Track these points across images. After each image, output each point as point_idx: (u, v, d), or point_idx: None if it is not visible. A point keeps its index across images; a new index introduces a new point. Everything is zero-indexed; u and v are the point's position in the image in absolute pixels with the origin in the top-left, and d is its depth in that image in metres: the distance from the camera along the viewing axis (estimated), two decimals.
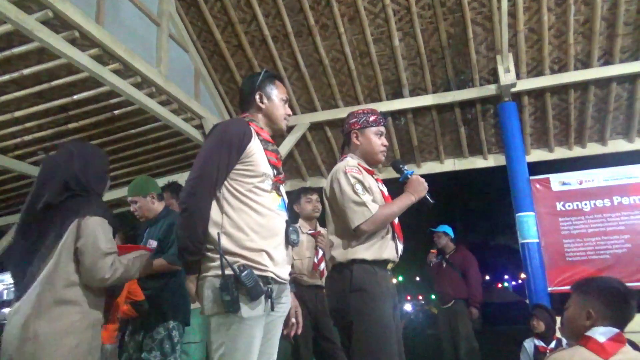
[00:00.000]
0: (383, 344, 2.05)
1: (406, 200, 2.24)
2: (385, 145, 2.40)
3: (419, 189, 2.27)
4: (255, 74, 2.07)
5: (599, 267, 4.92)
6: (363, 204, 2.14)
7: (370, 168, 2.39)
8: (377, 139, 2.38)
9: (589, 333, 1.54)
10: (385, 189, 2.39)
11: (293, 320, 2.03)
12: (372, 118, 2.39)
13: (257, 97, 1.99)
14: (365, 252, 2.17)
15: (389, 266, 2.28)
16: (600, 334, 1.51)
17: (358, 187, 2.17)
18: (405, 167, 2.39)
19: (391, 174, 6.79)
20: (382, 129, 2.41)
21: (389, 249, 2.24)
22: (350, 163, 2.29)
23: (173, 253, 2.82)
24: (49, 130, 5.25)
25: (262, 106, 1.99)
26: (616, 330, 1.52)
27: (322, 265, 3.57)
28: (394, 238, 2.29)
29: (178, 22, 5.50)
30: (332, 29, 5.46)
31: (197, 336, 3.29)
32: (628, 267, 4.86)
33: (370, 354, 2.04)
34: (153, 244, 2.89)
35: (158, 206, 3.07)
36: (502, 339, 8.87)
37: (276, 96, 2.02)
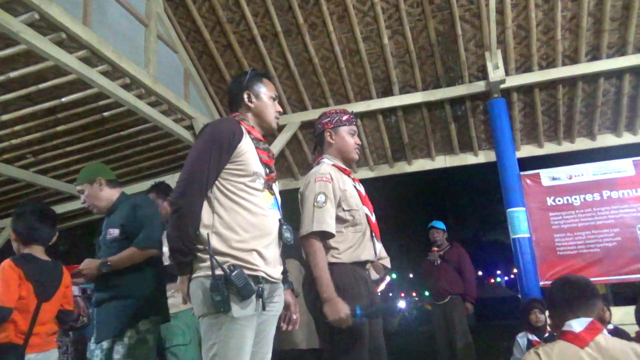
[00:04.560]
0: (355, 345, 2.08)
1: (327, 287, 2.05)
2: (358, 144, 2.44)
3: (334, 309, 2.02)
4: (242, 73, 2.07)
5: (589, 260, 4.96)
6: (312, 218, 2.13)
7: (346, 168, 2.42)
8: (350, 138, 2.42)
9: (565, 327, 1.62)
10: (362, 189, 2.42)
11: (294, 316, 2.05)
12: (344, 117, 2.44)
13: (246, 96, 1.99)
14: (342, 255, 2.19)
15: (368, 266, 2.32)
16: (576, 325, 1.58)
17: (320, 198, 2.17)
18: (362, 317, 2.08)
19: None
20: (355, 128, 2.46)
21: (367, 249, 2.27)
22: (322, 170, 2.28)
23: (144, 237, 2.51)
24: (37, 134, 5.20)
25: (251, 105, 1.99)
26: (589, 319, 1.58)
27: None
28: (372, 238, 2.31)
29: (166, 22, 5.47)
30: (321, 28, 5.46)
31: (187, 337, 3.21)
32: (618, 260, 4.91)
33: (343, 354, 2.07)
34: (114, 232, 2.58)
35: (110, 193, 2.72)
36: (495, 334, 8.94)
37: (265, 94, 2.02)
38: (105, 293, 2.53)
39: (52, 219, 2.61)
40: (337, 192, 2.24)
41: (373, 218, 2.36)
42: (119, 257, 2.49)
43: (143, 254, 2.51)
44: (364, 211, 2.32)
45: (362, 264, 2.26)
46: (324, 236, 2.16)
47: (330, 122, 2.44)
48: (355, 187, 2.37)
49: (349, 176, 2.39)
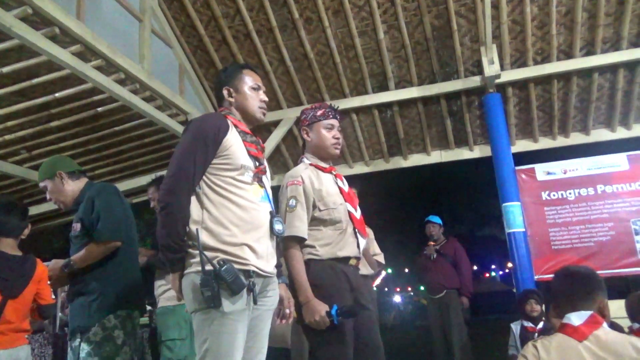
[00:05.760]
0: (335, 343, 2.08)
1: (303, 288, 2.08)
2: (336, 138, 2.37)
3: (309, 312, 2.05)
4: (223, 68, 2.06)
5: (583, 254, 5.00)
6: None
7: (326, 165, 2.37)
8: (326, 133, 2.35)
9: (564, 320, 1.60)
10: (345, 186, 2.38)
11: (288, 310, 2.04)
12: (319, 112, 2.38)
13: (225, 92, 1.97)
14: (320, 252, 2.18)
15: (351, 262, 2.27)
16: (575, 318, 1.57)
17: (291, 202, 2.18)
18: (338, 317, 2.07)
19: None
20: (332, 122, 2.38)
21: (348, 245, 2.24)
22: (293, 173, 2.28)
23: (101, 229, 2.35)
24: (31, 129, 5.16)
25: (232, 100, 1.97)
26: (589, 313, 1.57)
27: None
28: (355, 234, 2.29)
29: (160, 17, 5.44)
30: (316, 23, 5.45)
31: (183, 332, 3.08)
32: (612, 254, 4.94)
33: (325, 345, 2.08)
34: (76, 227, 2.44)
35: (73, 186, 2.56)
36: (490, 328, 8.99)
37: (245, 86, 1.98)
38: (73, 289, 2.46)
39: (20, 211, 2.53)
40: (310, 193, 2.22)
41: (357, 214, 2.33)
42: (81, 255, 2.37)
43: (105, 248, 2.37)
44: (345, 208, 2.29)
45: (343, 260, 2.23)
46: (300, 239, 2.16)
47: (305, 120, 2.41)
48: (337, 184, 2.34)
49: (331, 173, 2.36)
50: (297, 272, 2.09)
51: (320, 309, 2.02)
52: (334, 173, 2.39)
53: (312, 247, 2.19)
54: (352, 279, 2.22)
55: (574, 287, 1.65)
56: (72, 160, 2.74)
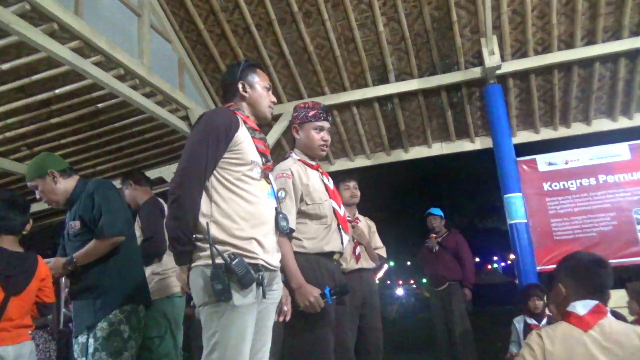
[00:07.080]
0: (315, 325, 2.17)
1: (295, 275, 2.14)
2: (324, 140, 2.43)
3: (303, 295, 2.11)
4: (236, 63, 2.08)
5: (585, 245, 4.99)
6: None
7: (313, 163, 2.45)
8: (315, 134, 2.42)
9: (569, 308, 1.59)
10: (330, 183, 2.46)
11: (285, 308, 2.06)
12: (311, 113, 2.44)
13: (240, 86, 1.99)
14: (306, 245, 2.28)
15: (335, 256, 2.39)
16: (580, 307, 1.56)
17: (281, 194, 2.24)
18: (332, 297, 2.20)
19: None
20: (323, 123, 2.44)
21: (333, 241, 2.35)
22: (283, 166, 2.35)
23: (104, 225, 2.36)
24: (31, 126, 5.16)
25: (246, 95, 2.00)
26: (595, 302, 1.56)
27: (358, 249, 3.61)
28: (339, 230, 2.39)
29: (159, 12, 5.41)
30: (315, 16, 5.42)
31: (162, 329, 2.96)
32: (614, 244, 4.94)
33: (304, 333, 2.17)
34: (75, 225, 2.43)
35: (66, 184, 2.53)
36: (492, 320, 9.00)
37: (259, 84, 2.03)
38: (75, 286, 2.46)
39: (21, 207, 2.49)
40: (299, 187, 2.30)
41: (341, 211, 2.42)
42: (84, 252, 2.37)
43: (108, 244, 2.38)
44: (330, 204, 2.38)
45: (328, 255, 2.34)
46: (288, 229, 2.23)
47: (297, 118, 2.47)
48: (323, 181, 2.43)
49: (317, 170, 2.44)
50: (287, 260, 2.14)
51: (313, 291, 2.10)
52: (320, 171, 2.48)
53: (299, 239, 2.28)
54: (335, 274, 2.36)
55: (590, 275, 1.61)
56: (62, 158, 2.70)
